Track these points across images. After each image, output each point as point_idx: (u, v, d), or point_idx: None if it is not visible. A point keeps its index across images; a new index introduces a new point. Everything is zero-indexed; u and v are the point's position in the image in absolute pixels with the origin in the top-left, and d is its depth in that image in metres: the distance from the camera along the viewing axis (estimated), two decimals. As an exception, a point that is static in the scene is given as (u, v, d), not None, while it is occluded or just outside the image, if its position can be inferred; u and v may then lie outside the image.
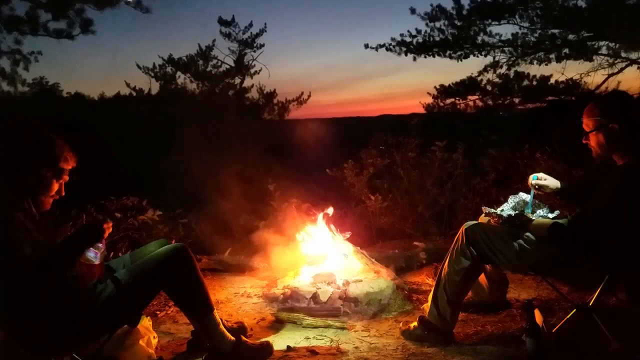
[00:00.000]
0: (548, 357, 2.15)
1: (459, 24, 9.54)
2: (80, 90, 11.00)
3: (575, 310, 2.34)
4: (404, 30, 9.97)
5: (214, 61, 10.18)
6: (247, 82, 10.32)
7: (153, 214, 4.25)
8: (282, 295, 3.19)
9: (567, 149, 5.25)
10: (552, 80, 9.69)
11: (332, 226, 3.73)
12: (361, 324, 2.88)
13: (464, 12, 9.39)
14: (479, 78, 10.26)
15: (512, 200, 2.72)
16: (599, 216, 2.13)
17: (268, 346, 2.48)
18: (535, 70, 9.70)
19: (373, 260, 3.60)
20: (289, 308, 3.07)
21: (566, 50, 9.16)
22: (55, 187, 2.05)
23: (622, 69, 8.97)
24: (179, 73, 10.07)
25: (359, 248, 3.72)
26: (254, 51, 10.23)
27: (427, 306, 2.62)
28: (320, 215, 3.76)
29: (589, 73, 9.24)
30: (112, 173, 5.65)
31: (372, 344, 2.59)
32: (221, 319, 2.37)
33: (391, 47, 10.01)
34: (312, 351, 2.49)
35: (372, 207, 5.31)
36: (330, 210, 3.77)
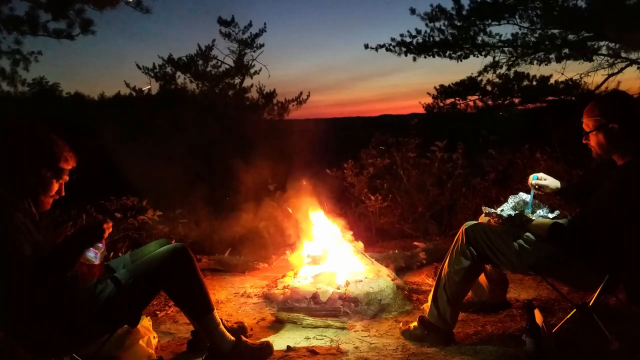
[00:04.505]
0: (548, 357, 2.15)
1: (458, 24, 9.55)
2: (80, 90, 11.02)
3: (575, 310, 2.34)
4: (403, 30, 10.00)
5: (214, 61, 10.18)
6: (247, 82, 10.33)
7: (153, 214, 4.25)
8: (282, 295, 3.19)
9: (567, 149, 5.25)
10: (552, 80, 9.72)
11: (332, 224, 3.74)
12: (361, 324, 2.88)
13: (464, 13, 9.40)
14: (478, 78, 10.28)
15: (512, 200, 2.72)
16: (599, 216, 2.13)
17: (268, 346, 2.48)
18: (535, 70, 9.73)
19: (373, 260, 3.61)
20: (289, 308, 3.07)
21: (566, 50, 9.17)
22: (55, 187, 2.05)
23: (622, 69, 8.99)
24: (178, 73, 10.08)
25: (359, 248, 3.72)
26: (254, 51, 10.24)
27: (427, 306, 2.62)
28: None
29: (589, 73, 9.27)
30: (112, 173, 5.65)
31: (372, 344, 2.59)
32: (221, 319, 2.37)
33: (391, 47, 10.02)
34: (312, 351, 2.49)
35: (372, 207, 5.31)
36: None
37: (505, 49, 9.73)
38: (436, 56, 9.92)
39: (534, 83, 9.83)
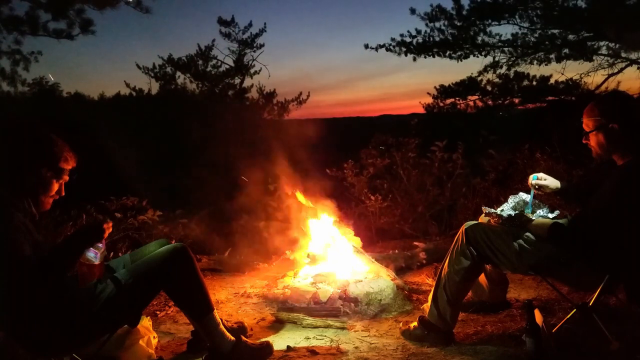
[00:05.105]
0: (548, 357, 2.15)
1: (458, 24, 9.55)
2: (80, 90, 11.00)
3: (575, 310, 2.34)
4: (404, 30, 10.00)
5: (214, 61, 10.18)
6: (247, 82, 10.32)
7: (153, 214, 4.25)
8: (282, 295, 3.19)
9: (567, 149, 5.24)
10: (552, 80, 9.72)
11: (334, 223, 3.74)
12: (361, 324, 2.88)
13: (464, 13, 9.40)
14: (479, 78, 10.28)
15: (512, 200, 2.72)
16: (599, 216, 2.13)
17: (268, 346, 2.48)
18: (535, 70, 9.73)
19: (373, 260, 3.61)
20: (289, 308, 3.07)
21: (566, 50, 9.17)
22: (55, 187, 2.05)
23: (622, 69, 8.99)
24: (178, 73, 10.08)
25: (359, 247, 3.72)
26: (254, 51, 10.24)
27: (427, 306, 2.62)
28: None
29: (589, 73, 9.27)
30: (112, 173, 5.65)
31: (372, 344, 2.59)
32: (221, 319, 2.37)
33: (391, 47, 10.02)
34: (312, 351, 2.49)
35: (372, 207, 5.31)
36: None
37: (505, 49, 9.73)
38: (436, 56, 9.93)
39: (534, 83, 9.83)
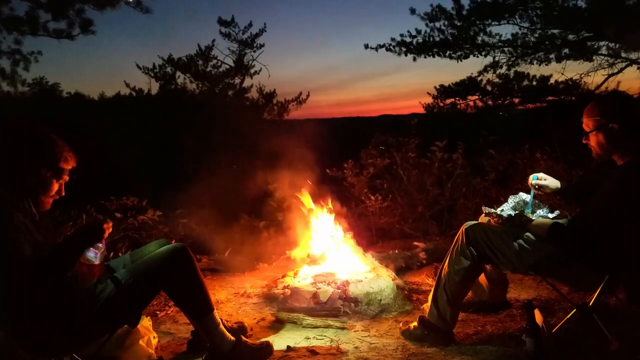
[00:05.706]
0: (548, 357, 2.16)
1: (458, 24, 9.55)
2: (80, 90, 11.00)
3: (575, 310, 2.34)
4: (404, 30, 9.99)
5: (214, 61, 10.17)
6: (247, 82, 10.31)
7: (153, 214, 4.25)
8: (282, 295, 3.20)
9: (567, 149, 5.24)
10: (552, 80, 9.71)
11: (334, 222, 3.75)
12: (361, 324, 2.89)
13: (464, 13, 9.40)
14: (478, 78, 10.27)
15: (512, 200, 2.72)
16: (599, 216, 2.13)
17: (268, 346, 2.48)
18: (535, 70, 9.73)
19: (373, 260, 3.61)
20: (289, 308, 3.08)
21: (566, 50, 9.17)
22: (55, 187, 2.05)
23: (622, 69, 8.98)
24: (178, 73, 10.07)
25: (360, 248, 3.72)
26: (254, 51, 10.23)
27: (427, 306, 2.62)
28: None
29: (589, 73, 9.26)
30: (112, 173, 5.65)
31: (372, 344, 2.59)
32: (221, 319, 2.37)
33: (391, 47, 10.02)
34: (312, 351, 2.49)
35: (372, 207, 5.31)
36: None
37: (505, 49, 9.73)
38: (436, 56, 9.92)
39: (534, 83, 9.83)
